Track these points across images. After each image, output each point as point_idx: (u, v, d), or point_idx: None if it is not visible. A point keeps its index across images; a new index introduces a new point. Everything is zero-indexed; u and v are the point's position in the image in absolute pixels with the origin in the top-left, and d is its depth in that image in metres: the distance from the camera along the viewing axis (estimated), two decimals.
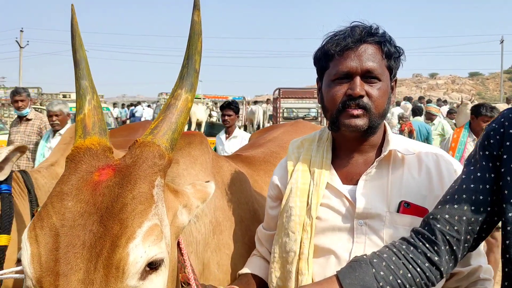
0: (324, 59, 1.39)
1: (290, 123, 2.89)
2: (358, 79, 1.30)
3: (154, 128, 1.06)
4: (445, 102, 18.74)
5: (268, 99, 22.15)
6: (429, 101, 16.41)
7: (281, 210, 1.43)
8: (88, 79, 1.13)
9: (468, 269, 1.27)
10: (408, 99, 15.98)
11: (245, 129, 17.59)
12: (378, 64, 1.31)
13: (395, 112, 14.71)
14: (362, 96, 1.29)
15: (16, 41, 35.64)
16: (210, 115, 18.31)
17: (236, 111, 5.68)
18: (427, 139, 7.87)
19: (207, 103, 20.04)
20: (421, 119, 9.12)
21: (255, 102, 20.88)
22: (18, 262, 0.99)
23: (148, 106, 25.33)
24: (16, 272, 1.42)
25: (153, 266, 0.92)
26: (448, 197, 1.16)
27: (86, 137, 1.05)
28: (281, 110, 15.84)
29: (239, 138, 5.58)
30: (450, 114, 13.00)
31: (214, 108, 20.21)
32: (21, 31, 36.16)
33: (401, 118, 9.32)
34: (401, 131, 8.37)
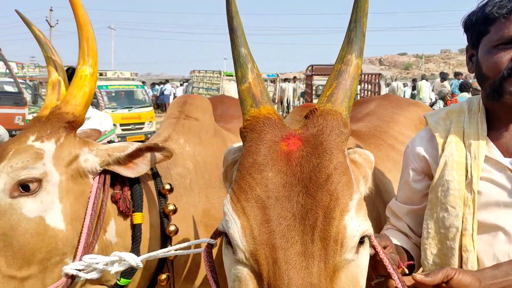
0: (483, 23, 1.30)
1: (379, 97, 2.84)
2: None
3: (330, 95, 1.01)
4: (460, 74, 17.83)
5: (294, 77, 21.89)
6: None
7: (433, 184, 1.37)
8: (246, 47, 1.07)
9: None
10: (443, 75, 15.33)
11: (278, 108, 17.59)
12: None
13: (425, 86, 14.38)
14: None
15: (46, 20, 36.13)
16: None
17: None
18: None
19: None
20: (468, 95, 8.88)
21: (285, 80, 20.67)
22: (219, 234, 0.95)
23: (181, 85, 25.44)
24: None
25: (362, 241, 0.89)
26: None
27: (260, 106, 1.01)
28: (314, 88, 15.70)
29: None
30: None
31: None
32: (50, 10, 36.58)
33: (446, 94, 9.12)
34: None
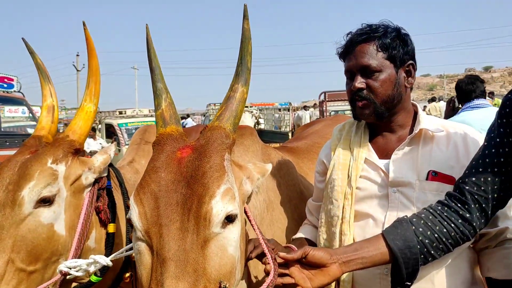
0: (342, 60, 1.65)
1: (330, 117, 3.12)
2: (357, 76, 1.54)
3: (219, 115, 1.30)
4: (491, 94, 17.75)
5: (315, 104, 22.20)
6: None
7: (326, 182, 1.66)
8: (162, 82, 1.38)
9: (496, 230, 1.41)
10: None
11: (293, 135, 17.81)
12: (374, 59, 1.53)
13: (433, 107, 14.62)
14: (362, 89, 1.53)
15: (73, 65, 37.94)
16: (258, 123, 18.68)
17: None
18: None
19: (251, 111, 20.44)
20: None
21: (304, 107, 21.01)
22: (128, 221, 1.24)
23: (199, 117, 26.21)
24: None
25: (230, 219, 1.14)
26: (473, 162, 1.33)
27: (166, 126, 1.31)
28: (327, 114, 15.85)
29: None
30: None
31: (261, 116, 20.58)
32: (77, 55, 38.42)
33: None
34: None
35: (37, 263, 1.52)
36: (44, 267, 1.54)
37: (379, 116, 1.55)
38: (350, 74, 1.57)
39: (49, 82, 1.90)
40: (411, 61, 1.59)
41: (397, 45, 1.55)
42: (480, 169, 1.29)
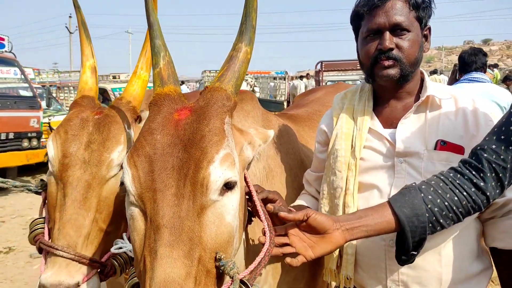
0: (356, 19, 1.53)
1: (331, 85, 3.06)
2: (387, 34, 1.43)
3: (220, 76, 1.22)
4: (495, 66, 17.38)
5: (308, 74, 21.96)
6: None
7: (328, 153, 1.60)
8: (161, 39, 1.29)
9: (503, 200, 1.37)
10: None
11: (288, 104, 17.68)
12: (405, 17, 1.42)
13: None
14: (392, 49, 1.42)
15: (66, 27, 37.11)
16: (253, 91, 18.52)
17: None
18: None
19: (246, 79, 20.19)
20: None
21: (300, 77, 20.79)
22: (122, 185, 1.19)
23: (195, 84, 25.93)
24: None
25: (229, 186, 1.09)
26: (495, 129, 1.25)
27: (164, 86, 1.23)
28: (324, 84, 15.74)
29: None
30: (509, 80, 12.43)
31: (256, 84, 20.36)
32: (69, 17, 37.48)
33: None
34: None
35: (112, 224, 1.53)
36: (116, 229, 1.55)
37: (404, 78, 1.46)
38: (374, 32, 1.46)
39: (90, 42, 1.85)
40: (429, 25, 1.51)
41: (426, 6, 1.46)
42: (502, 137, 1.22)
